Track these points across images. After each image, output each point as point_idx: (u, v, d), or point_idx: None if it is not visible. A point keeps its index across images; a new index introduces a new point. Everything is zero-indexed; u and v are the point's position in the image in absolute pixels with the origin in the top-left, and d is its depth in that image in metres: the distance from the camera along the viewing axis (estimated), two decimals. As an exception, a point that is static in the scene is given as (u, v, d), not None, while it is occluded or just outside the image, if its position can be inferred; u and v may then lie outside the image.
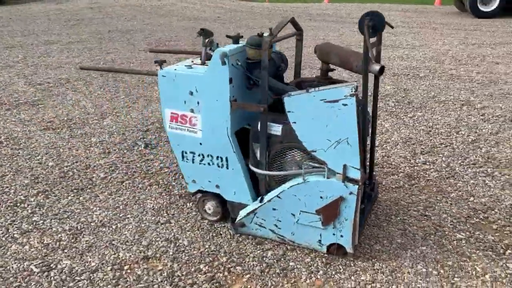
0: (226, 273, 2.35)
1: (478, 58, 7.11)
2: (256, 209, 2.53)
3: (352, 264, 2.40)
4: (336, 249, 2.43)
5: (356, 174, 2.20)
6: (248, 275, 2.32)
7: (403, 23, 11.08)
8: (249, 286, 2.25)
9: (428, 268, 2.35)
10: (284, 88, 2.42)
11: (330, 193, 2.27)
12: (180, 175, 3.39)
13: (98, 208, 2.99)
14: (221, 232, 2.71)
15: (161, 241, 2.63)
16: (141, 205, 3.03)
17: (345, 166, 2.20)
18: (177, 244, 2.59)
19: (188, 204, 3.03)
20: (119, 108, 5.00)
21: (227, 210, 2.77)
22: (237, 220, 2.62)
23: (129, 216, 2.90)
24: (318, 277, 2.30)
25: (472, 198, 3.05)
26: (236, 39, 2.53)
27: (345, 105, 2.11)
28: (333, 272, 2.34)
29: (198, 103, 2.50)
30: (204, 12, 14.04)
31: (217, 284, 2.27)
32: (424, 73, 6.24)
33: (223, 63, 2.33)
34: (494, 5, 11.63)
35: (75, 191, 3.22)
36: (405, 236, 2.65)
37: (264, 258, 2.45)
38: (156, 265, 2.43)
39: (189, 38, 9.00)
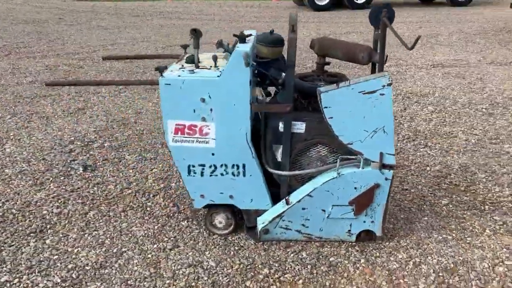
0: (278, 284, 2.23)
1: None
2: (283, 212, 2.45)
3: (382, 246, 2.51)
4: (365, 235, 2.52)
5: (391, 160, 2.31)
6: (300, 280, 2.25)
7: (257, 18, 11.67)
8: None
9: (441, 234, 2.61)
10: (306, 85, 2.39)
11: (365, 182, 2.34)
12: (164, 193, 3.07)
13: (80, 249, 2.51)
14: (241, 244, 2.55)
15: (185, 268, 2.35)
16: (130, 235, 2.65)
17: (381, 154, 2.28)
18: (204, 268, 2.35)
19: (183, 222, 2.76)
20: (15, 131, 4.21)
21: (239, 221, 2.62)
22: (260, 227, 2.50)
23: (125, 249, 2.51)
24: (363, 265, 2.36)
25: (428, 168, 3.45)
26: (243, 38, 2.38)
27: (382, 94, 2.18)
28: (373, 257, 2.42)
29: (211, 110, 2.29)
30: (38, 13, 12.57)
31: (277, 297, 2.15)
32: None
33: (247, 64, 2.18)
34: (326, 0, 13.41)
35: (32, 235, 2.64)
36: (403, 211, 2.87)
37: (304, 260, 2.40)
38: (199, 295, 2.18)
39: (44, 44, 8.03)
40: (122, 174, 3.38)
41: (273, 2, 16.20)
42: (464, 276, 2.26)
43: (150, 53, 7.29)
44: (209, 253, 2.47)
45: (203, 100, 2.27)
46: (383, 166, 2.31)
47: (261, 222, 2.51)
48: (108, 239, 2.60)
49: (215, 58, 2.38)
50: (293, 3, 14.91)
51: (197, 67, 2.40)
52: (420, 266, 2.34)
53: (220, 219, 2.61)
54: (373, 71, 2.60)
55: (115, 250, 2.50)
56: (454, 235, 2.61)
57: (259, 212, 2.56)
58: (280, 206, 2.48)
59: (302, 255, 2.44)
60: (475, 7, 13.72)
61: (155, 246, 2.54)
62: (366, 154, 2.30)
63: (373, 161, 2.31)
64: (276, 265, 2.36)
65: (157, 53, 6.94)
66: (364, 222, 2.46)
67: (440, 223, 2.72)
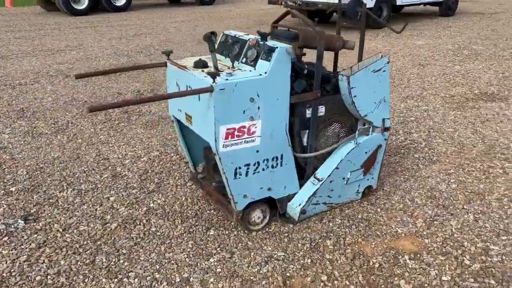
0: (349, 248, 2.54)
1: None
2: (316, 190, 2.72)
3: (379, 196, 3.08)
4: (367, 191, 3.03)
5: (388, 123, 2.87)
6: (359, 235, 2.61)
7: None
8: (374, 251, 2.57)
9: (443, 178, 3.33)
10: (325, 71, 2.69)
11: (373, 145, 2.84)
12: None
13: None
14: (283, 230, 2.70)
15: (265, 264, 2.39)
16: (167, 277, 2.45)
17: (383, 120, 2.82)
18: (279, 258, 2.45)
19: (212, 231, 2.70)
20: None
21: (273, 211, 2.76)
22: (298, 209, 2.69)
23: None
24: (382, 212, 2.88)
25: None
26: (265, 36, 2.50)
27: (384, 71, 2.71)
28: (382, 204, 2.96)
29: (258, 108, 2.38)
30: None
31: (362, 258, 2.47)
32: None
33: (295, 58, 2.37)
34: (84, 4, 12.84)
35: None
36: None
37: (342, 223, 2.75)
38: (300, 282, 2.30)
39: None
40: (91, 208, 2.91)
41: (8, 7, 14.43)
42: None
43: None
44: (269, 246, 2.54)
45: (252, 99, 2.33)
46: (384, 129, 2.85)
47: (297, 204, 2.71)
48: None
49: (232, 59, 2.46)
50: (41, 9, 13.65)
51: (218, 69, 2.40)
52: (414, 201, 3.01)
53: (258, 215, 2.67)
54: (335, 56, 3.08)
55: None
56: (459, 172, 3.38)
57: (290, 197, 2.74)
58: (311, 185, 2.73)
59: (337, 221, 2.78)
60: (230, 4, 15.50)
61: (213, 265, 2.44)
62: (375, 122, 2.79)
63: (378, 127, 2.82)
64: (330, 234, 2.64)
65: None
66: (368, 180, 2.97)
67: (441, 167, 3.46)
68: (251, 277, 2.30)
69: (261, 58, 2.41)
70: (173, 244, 2.57)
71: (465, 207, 2.91)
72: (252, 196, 2.57)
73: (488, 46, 8.08)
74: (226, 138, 2.32)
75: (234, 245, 2.55)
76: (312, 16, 11.16)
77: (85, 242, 2.60)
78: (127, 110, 4.82)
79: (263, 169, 2.53)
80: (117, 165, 3.56)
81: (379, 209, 2.89)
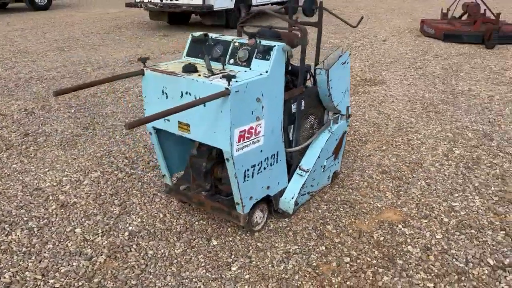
0: (349, 228, 2.73)
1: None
2: (305, 181, 2.84)
3: (346, 174, 3.34)
4: (334, 176, 3.27)
5: (350, 110, 3.13)
6: (346, 216, 2.83)
7: None
8: (370, 227, 2.81)
9: (381, 154, 3.68)
10: (296, 67, 2.80)
11: (340, 131, 3.07)
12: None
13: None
14: (283, 226, 2.76)
15: (284, 259, 2.44)
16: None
17: (347, 108, 3.07)
18: (293, 252, 2.52)
19: (235, 240, 2.62)
20: None
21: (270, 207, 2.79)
22: (292, 202, 2.77)
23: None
24: (362, 187, 3.15)
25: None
26: (252, 35, 2.50)
27: (348, 63, 2.95)
28: (355, 184, 3.24)
29: (263, 107, 2.41)
30: None
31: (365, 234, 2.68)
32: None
33: (291, 56, 2.44)
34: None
35: None
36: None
37: (330, 209, 2.93)
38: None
39: None
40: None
41: None
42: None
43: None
44: (280, 243, 2.57)
45: (258, 99, 2.33)
46: (348, 116, 3.10)
47: (291, 197, 2.78)
48: (191, 293, 2.19)
49: (222, 61, 2.44)
50: None
51: (213, 73, 2.36)
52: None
53: (259, 214, 2.67)
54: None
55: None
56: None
57: (281, 192, 2.81)
58: (299, 177, 2.84)
59: (323, 207, 2.94)
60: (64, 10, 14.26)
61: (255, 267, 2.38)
62: (342, 111, 3.02)
63: (343, 114, 3.06)
64: (326, 220, 2.80)
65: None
66: (335, 164, 3.20)
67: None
68: (283, 275, 2.31)
69: (256, 58, 2.41)
70: (182, 263, 2.42)
71: (413, 175, 3.35)
72: (256, 196, 2.56)
73: (342, 39, 9.11)
74: (239, 141, 2.28)
75: (246, 249, 2.52)
76: (174, 18, 11.06)
77: (80, 283, 2.27)
78: (28, 132, 4.20)
79: (264, 168, 2.54)
80: (58, 194, 3.12)
81: (350, 190, 3.14)
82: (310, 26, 2.86)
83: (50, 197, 3.08)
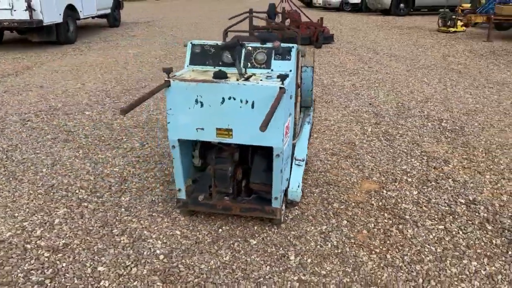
0: (348, 212, 3.13)
1: None
2: (303, 170, 3.12)
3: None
4: (304, 164, 3.61)
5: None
6: (349, 194, 3.24)
7: None
8: (362, 198, 3.24)
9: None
10: None
11: (312, 121, 3.44)
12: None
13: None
14: (312, 213, 2.99)
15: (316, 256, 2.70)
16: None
17: (314, 100, 3.45)
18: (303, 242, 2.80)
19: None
20: None
21: None
22: (300, 190, 3.00)
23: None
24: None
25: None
26: (265, 40, 2.65)
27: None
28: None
29: (291, 103, 2.62)
30: None
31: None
32: None
33: (304, 55, 2.71)
34: None
35: None
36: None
37: (339, 200, 3.29)
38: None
39: None
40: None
41: None
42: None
43: None
44: (311, 227, 2.81)
45: (291, 97, 2.55)
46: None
47: (297, 186, 3.00)
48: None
49: (244, 65, 2.56)
50: None
51: (244, 76, 2.49)
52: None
53: (283, 206, 2.85)
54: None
55: None
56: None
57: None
58: (297, 167, 3.06)
59: (316, 191, 3.27)
60: None
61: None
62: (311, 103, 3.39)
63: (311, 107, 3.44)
64: (330, 200, 3.14)
65: None
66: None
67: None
68: (336, 251, 2.56)
69: (275, 59, 2.58)
70: (242, 266, 2.43)
71: (357, 153, 3.94)
72: (283, 189, 2.73)
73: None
74: (285, 136, 2.44)
75: (287, 240, 2.66)
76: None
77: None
78: None
79: (286, 161, 2.74)
80: (35, 241, 2.67)
81: (323, 173, 3.54)
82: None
83: (29, 247, 2.61)
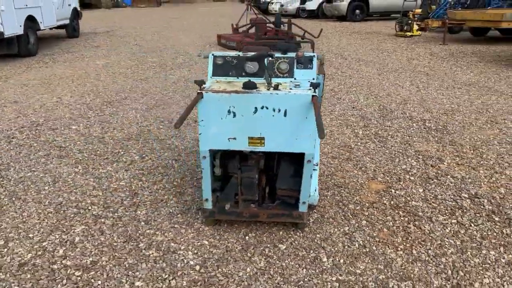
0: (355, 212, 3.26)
1: None
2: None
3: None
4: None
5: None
6: (361, 196, 3.37)
7: None
8: (374, 198, 3.38)
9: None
10: None
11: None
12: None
13: None
14: (332, 216, 3.09)
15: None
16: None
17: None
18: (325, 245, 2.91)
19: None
20: None
21: None
22: (317, 193, 3.13)
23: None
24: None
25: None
26: (286, 50, 2.73)
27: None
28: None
29: (315, 109, 2.72)
30: None
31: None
32: None
33: (322, 63, 2.81)
34: None
35: None
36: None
37: (355, 202, 3.40)
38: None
39: None
40: None
41: None
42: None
43: None
44: (334, 229, 2.91)
45: (316, 103, 2.64)
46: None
47: (314, 189, 3.10)
48: None
49: (270, 75, 2.62)
50: None
51: (272, 86, 2.57)
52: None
53: (306, 210, 2.93)
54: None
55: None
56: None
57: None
58: (313, 172, 3.19)
59: (328, 194, 3.38)
60: None
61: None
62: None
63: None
64: (345, 203, 3.25)
65: None
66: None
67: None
68: (363, 250, 2.67)
69: (298, 68, 2.67)
70: (279, 271, 2.49)
71: (355, 155, 4.09)
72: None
73: (139, 64, 9.33)
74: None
75: (314, 243, 2.74)
76: None
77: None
78: None
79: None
80: (60, 261, 2.60)
81: (329, 176, 3.65)
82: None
83: (56, 267, 2.54)
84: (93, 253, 2.66)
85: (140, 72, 8.07)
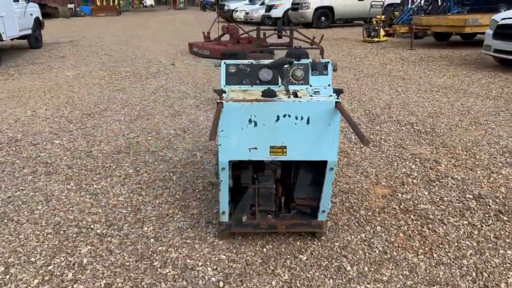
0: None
1: None
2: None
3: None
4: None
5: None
6: (369, 201, 3.36)
7: None
8: (383, 204, 3.38)
9: None
10: None
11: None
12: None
13: None
14: (340, 220, 3.05)
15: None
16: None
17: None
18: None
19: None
20: None
21: None
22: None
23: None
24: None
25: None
26: (299, 57, 2.69)
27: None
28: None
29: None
30: None
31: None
32: None
33: (335, 69, 2.79)
34: None
35: None
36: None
37: (365, 208, 3.38)
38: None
39: None
40: None
41: None
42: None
43: None
44: (351, 236, 2.88)
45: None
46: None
47: (327, 197, 3.09)
48: None
49: (287, 82, 2.57)
50: None
51: (291, 94, 2.52)
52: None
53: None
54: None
55: None
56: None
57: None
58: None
59: (336, 200, 3.36)
60: None
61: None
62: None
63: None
64: (356, 209, 3.23)
65: None
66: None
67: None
68: (385, 256, 2.65)
69: (313, 75, 2.64)
70: (306, 283, 2.43)
71: (353, 161, 4.10)
72: (327, 202, 2.77)
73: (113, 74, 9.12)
74: (336, 149, 2.49)
75: (333, 251, 2.70)
76: None
77: None
78: None
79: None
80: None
81: (334, 181, 3.62)
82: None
83: (67, 292, 2.37)
84: (105, 275, 2.50)
85: (115, 82, 7.84)
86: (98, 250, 2.73)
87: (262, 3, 23.27)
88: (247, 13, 23.06)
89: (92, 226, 3.00)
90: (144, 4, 65.38)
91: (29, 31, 12.17)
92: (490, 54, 8.37)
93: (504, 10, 9.67)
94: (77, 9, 35.75)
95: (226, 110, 2.32)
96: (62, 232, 2.94)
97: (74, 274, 2.51)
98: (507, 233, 2.85)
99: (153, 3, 66.94)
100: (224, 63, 2.63)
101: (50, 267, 2.57)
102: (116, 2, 39.13)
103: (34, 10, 12.68)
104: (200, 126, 5.14)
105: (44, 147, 4.55)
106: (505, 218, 3.02)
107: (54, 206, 3.29)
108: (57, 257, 2.67)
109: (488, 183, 3.54)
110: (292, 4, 18.88)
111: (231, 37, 10.97)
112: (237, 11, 24.54)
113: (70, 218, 3.11)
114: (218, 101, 2.32)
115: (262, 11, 21.76)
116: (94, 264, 2.60)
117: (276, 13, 20.56)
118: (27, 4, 11.88)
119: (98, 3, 38.09)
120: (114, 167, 4.01)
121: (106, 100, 6.54)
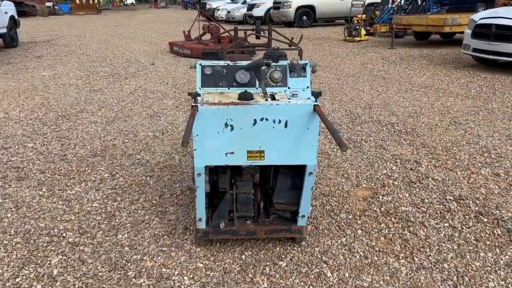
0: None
1: None
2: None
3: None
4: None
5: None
6: (352, 203, 3.31)
7: None
8: (364, 206, 3.33)
9: None
10: None
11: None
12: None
13: None
14: (326, 221, 2.99)
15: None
16: None
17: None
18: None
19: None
20: None
21: None
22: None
23: None
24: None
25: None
26: (276, 58, 2.61)
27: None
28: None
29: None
30: None
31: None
32: None
33: (314, 71, 2.73)
34: None
35: None
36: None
37: (347, 210, 3.32)
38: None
39: None
40: None
41: None
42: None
43: None
44: (331, 241, 2.82)
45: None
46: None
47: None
48: None
49: (264, 84, 2.49)
50: None
51: (269, 96, 2.45)
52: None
53: (302, 223, 2.82)
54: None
55: None
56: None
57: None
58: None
59: (316, 203, 3.30)
60: None
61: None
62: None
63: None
64: (333, 211, 3.18)
65: None
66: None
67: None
68: (366, 261, 2.60)
69: (291, 77, 2.57)
70: (288, 286, 2.37)
71: (334, 162, 4.06)
72: (306, 206, 2.71)
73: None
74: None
75: (314, 257, 2.63)
76: None
77: None
78: None
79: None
80: None
81: (314, 185, 3.57)
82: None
83: None
84: (76, 286, 2.40)
85: (93, 82, 7.66)
86: (69, 260, 2.62)
87: (244, 2, 23.18)
88: (228, 12, 22.93)
89: (64, 234, 2.89)
90: (125, 2, 64.52)
91: (4, 30, 11.86)
92: (469, 53, 8.45)
93: (482, 10, 9.77)
94: (56, 7, 35.09)
95: (201, 114, 2.23)
96: (32, 241, 2.82)
97: (43, 286, 2.39)
98: (487, 235, 2.84)
99: (134, 2, 66.09)
100: (200, 64, 2.54)
101: (17, 279, 2.45)
102: (96, 1, 38.54)
103: (9, 8, 12.35)
104: (179, 128, 5.04)
105: (16, 151, 4.40)
106: (485, 220, 3.01)
107: (25, 214, 3.16)
108: (26, 268, 2.55)
109: (468, 184, 3.53)
110: (274, 3, 18.82)
111: (212, 36, 10.86)
112: (218, 9, 24.39)
113: (41, 226, 2.99)
114: (193, 104, 2.23)
115: (244, 10, 21.66)
116: (65, 275, 2.49)
117: (258, 12, 20.48)
118: (1, 3, 11.57)
119: (78, 1, 37.49)
120: (89, 171, 3.89)
121: (83, 101, 6.37)
